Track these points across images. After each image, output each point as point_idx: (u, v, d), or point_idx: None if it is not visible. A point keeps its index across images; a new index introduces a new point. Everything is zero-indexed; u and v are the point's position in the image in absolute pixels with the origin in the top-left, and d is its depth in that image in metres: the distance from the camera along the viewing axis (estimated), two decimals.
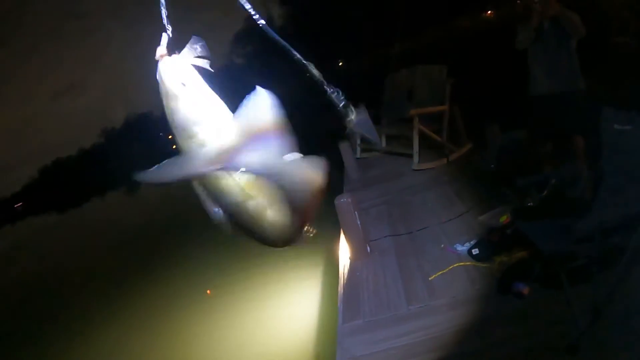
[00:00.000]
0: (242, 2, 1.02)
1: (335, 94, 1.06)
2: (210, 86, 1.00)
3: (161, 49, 0.98)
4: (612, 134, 2.31)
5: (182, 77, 0.97)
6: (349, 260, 3.51)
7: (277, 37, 1.05)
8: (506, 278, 2.54)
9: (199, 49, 1.01)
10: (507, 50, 3.64)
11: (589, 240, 2.13)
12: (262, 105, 0.93)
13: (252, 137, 0.93)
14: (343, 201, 3.44)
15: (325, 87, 1.06)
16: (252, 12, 1.03)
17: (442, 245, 3.24)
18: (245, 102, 0.95)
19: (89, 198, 38.59)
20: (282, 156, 0.94)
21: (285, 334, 4.26)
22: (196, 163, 0.94)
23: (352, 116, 1.07)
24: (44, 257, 16.37)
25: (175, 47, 1.00)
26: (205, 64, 1.01)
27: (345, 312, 2.90)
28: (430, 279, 2.88)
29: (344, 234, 3.60)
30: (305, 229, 1.07)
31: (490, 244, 2.93)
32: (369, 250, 3.51)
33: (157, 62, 0.98)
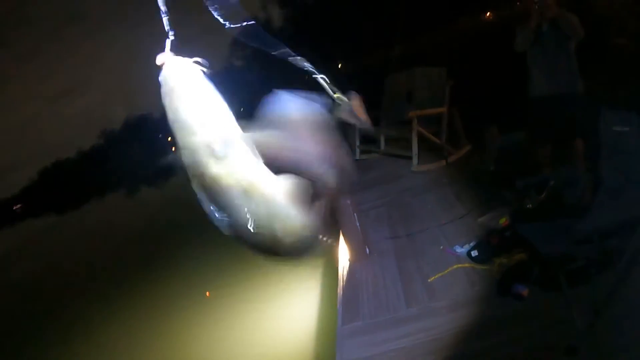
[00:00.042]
0: (211, 8, 1.03)
1: (324, 82, 1.08)
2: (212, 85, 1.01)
3: (164, 55, 0.98)
4: (611, 136, 2.31)
5: (186, 74, 0.97)
6: (348, 262, 3.51)
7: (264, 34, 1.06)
8: (505, 280, 2.54)
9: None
10: (506, 52, 3.64)
11: (588, 241, 2.13)
12: (292, 107, 0.95)
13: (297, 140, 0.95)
14: (342, 203, 3.44)
15: (314, 75, 1.08)
16: (222, 19, 1.04)
17: (442, 247, 3.24)
18: (271, 105, 0.97)
19: (88, 199, 38.54)
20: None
21: (284, 335, 4.26)
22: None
23: (341, 102, 1.09)
24: (43, 259, 16.35)
25: (176, 51, 1.02)
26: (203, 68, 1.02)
27: (345, 313, 2.90)
28: (429, 280, 2.88)
29: (344, 235, 3.60)
30: (322, 236, 1.07)
31: (490, 246, 2.93)
32: (368, 252, 3.51)
33: (158, 64, 0.98)
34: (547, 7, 3.16)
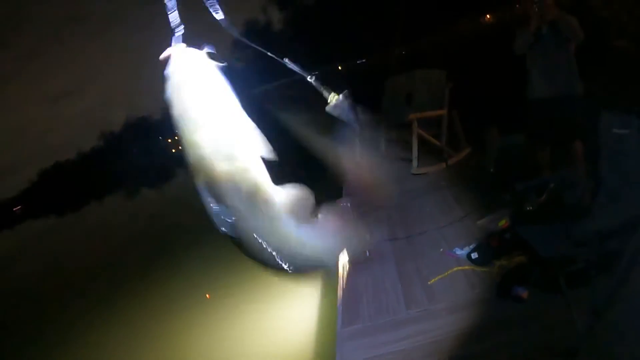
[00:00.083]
0: (213, 10, 1.03)
1: (316, 80, 1.09)
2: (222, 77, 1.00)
3: (172, 48, 0.97)
4: (610, 138, 2.31)
5: (198, 66, 0.96)
6: (348, 265, 3.51)
7: (246, 40, 1.07)
8: (505, 282, 2.54)
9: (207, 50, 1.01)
10: (505, 55, 3.65)
11: (588, 244, 2.13)
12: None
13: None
14: (342, 205, 3.43)
15: (305, 75, 1.09)
16: (220, 18, 1.04)
17: (441, 250, 3.24)
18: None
19: (88, 201, 38.55)
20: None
21: (284, 337, 4.25)
22: None
23: (333, 101, 1.10)
24: (43, 260, 16.34)
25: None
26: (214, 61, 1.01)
27: (345, 316, 2.89)
28: (429, 283, 2.88)
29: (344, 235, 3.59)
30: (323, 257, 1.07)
31: (489, 248, 2.92)
32: (368, 255, 3.50)
33: (161, 63, 0.97)
34: (546, 10, 3.17)
